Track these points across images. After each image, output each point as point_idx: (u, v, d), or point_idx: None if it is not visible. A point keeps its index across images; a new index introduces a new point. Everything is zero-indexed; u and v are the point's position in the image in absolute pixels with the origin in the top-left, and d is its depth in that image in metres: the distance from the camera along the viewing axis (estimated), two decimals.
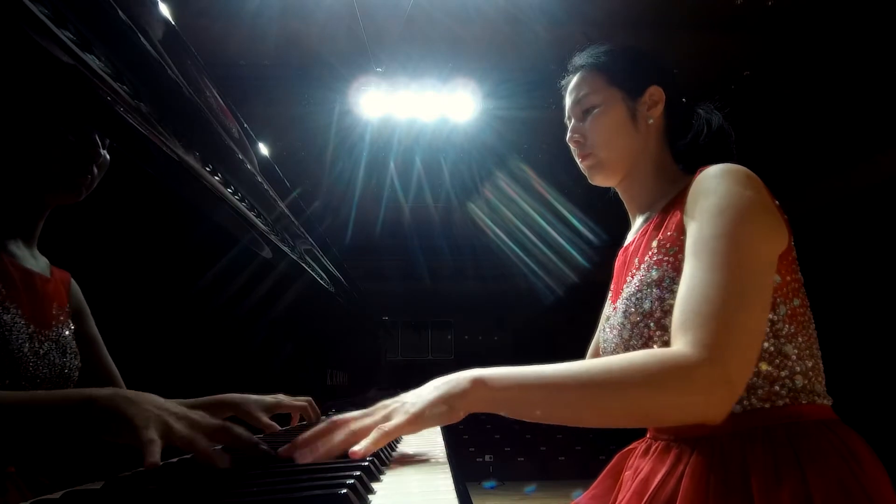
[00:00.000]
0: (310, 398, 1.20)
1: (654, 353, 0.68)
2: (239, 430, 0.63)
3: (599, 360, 0.68)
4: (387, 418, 0.67)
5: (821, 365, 0.82)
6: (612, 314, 0.93)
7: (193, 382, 1.03)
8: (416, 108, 4.52)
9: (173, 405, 0.60)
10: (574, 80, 1.00)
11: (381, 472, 0.66)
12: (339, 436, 0.66)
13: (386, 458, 0.76)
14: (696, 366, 0.64)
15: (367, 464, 0.61)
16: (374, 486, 0.58)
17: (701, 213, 0.77)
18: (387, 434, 0.65)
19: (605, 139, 0.95)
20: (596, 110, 0.96)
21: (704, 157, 0.93)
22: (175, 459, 0.76)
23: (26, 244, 0.79)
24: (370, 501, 0.52)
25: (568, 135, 0.99)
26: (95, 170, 0.78)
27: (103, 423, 0.55)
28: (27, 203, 0.77)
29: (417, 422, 0.66)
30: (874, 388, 5.02)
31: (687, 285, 0.72)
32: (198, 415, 0.61)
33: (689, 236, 0.77)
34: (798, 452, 0.72)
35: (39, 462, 0.61)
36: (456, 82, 4.30)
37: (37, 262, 0.80)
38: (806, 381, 0.78)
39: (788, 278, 0.80)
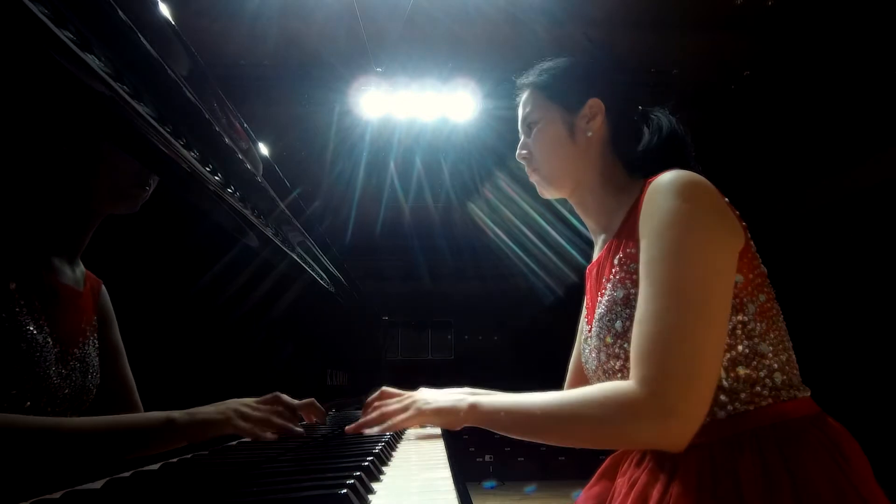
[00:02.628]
0: (312, 399, 1.19)
1: (604, 387, 0.76)
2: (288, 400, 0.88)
3: (562, 394, 0.80)
4: (407, 408, 0.90)
5: (793, 356, 0.82)
6: (588, 336, 0.94)
7: (193, 383, 1.03)
8: (416, 108, 4.52)
9: (235, 402, 0.78)
10: (522, 97, 1.05)
11: (382, 473, 0.66)
12: (374, 414, 0.94)
13: (386, 457, 0.76)
14: (638, 400, 0.71)
15: (367, 464, 0.61)
16: (374, 485, 0.58)
17: (647, 236, 0.79)
18: (394, 425, 0.90)
19: (546, 154, 0.99)
20: (536, 126, 1.00)
21: (660, 162, 0.92)
22: (175, 459, 0.76)
23: (70, 257, 0.77)
24: (370, 501, 0.52)
25: (517, 151, 1.03)
26: (152, 182, 0.78)
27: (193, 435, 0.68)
28: (81, 215, 0.76)
29: (423, 419, 0.88)
30: (874, 387, 5.02)
31: (636, 317, 0.76)
32: (263, 409, 0.80)
33: (641, 259, 0.79)
34: (786, 454, 0.72)
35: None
36: (456, 82, 4.29)
37: (73, 275, 0.78)
38: (784, 377, 0.78)
39: (751, 275, 0.80)
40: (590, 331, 0.92)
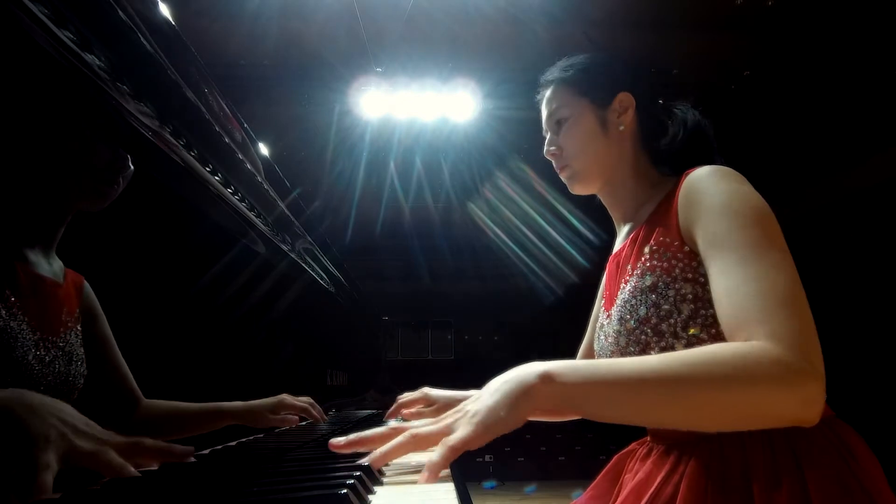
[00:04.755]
0: (310, 399, 1.20)
1: (733, 346, 0.62)
2: (151, 441, 0.58)
3: (671, 355, 0.62)
4: (450, 429, 0.61)
5: None
6: (606, 322, 0.93)
7: (193, 383, 1.03)
8: (416, 108, 4.52)
9: (81, 421, 0.52)
10: (546, 94, 1.02)
11: (382, 473, 0.66)
12: (400, 439, 0.62)
13: None
14: (781, 357, 0.59)
15: (367, 463, 0.61)
16: (375, 485, 0.58)
17: (706, 213, 0.76)
18: (453, 449, 0.58)
19: (578, 150, 0.97)
20: (567, 122, 0.98)
21: (685, 156, 0.93)
22: None
23: (44, 249, 0.78)
24: (370, 501, 0.52)
25: (545, 148, 1.02)
26: (122, 180, 0.78)
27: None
28: (52, 209, 0.76)
29: (483, 433, 0.59)
30: (875, 387, 5.02)
31: (727, 283, 0.68)
32: (104, 432, 0.54)
33: (702, 239, 0.76)
34: (797, 453, 0.72)
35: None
36: (456, 82, 4.29)
37: (51, 268, 0.79)
38: None
39: None
40: (608, 317, 0.92)
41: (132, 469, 0.52)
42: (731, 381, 0.58)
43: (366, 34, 3.67)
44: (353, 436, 0.66)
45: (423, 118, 4.69)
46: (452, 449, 0.58)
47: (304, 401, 1.17)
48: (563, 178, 1.01)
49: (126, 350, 0.89)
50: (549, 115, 1.01)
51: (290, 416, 1.11)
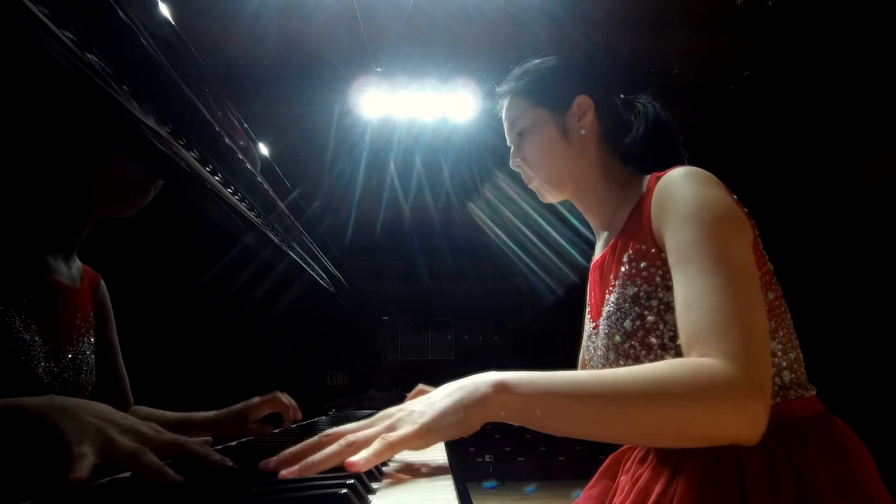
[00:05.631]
0: (275, 392, 1.12)
1: (686, 363, 0.62)
2: (194, 444, 0.57)
3: (626, 370, 0.62)
4: (391, 428, 0.59)
5: (801, 354, 0.82)
6: (593, 333, 0.93)
7: (194, 383, 1.03)
8: (416, 108, 4.52)
9: (120, 416, 0.54)
10: (504, 105, 1.01)
11: (381, 473, 0.66)
12: (334, 447, 0.58)
13: None
14: (730, 376, 0.59)
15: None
16: (375, 485, 0.58)
17: (675, 221, 0.76)
18: (391, 445, 0.57)
19: (542, 160, 0.96)
20: (527, 133, 0.97)
21: (650, 152, 0.92)
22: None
23: (66, 254, 0.77)
24: (370, 501, 0.52)
25: (510, 161, 1.01)
26: (153, 190, 0.78)
27: (33, 435, 0.48)
28: (78, 216, 0.76)
29: (426, 434, 0.58)
30: (876, 387, 5.02)
31: (686, 295, 0.69)
32: (149, 427, 0.55)
33: (669, 247, 0.75)
34: (790, 451, 0.72)
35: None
36: (456, 82, 4.29)
37: (70, 272, 0.78)
38: (793, 375, 0.78)
39: (759, 272, 0.79)
40: (595, 328, 0.92)
41: (170, 472, 0.51)
42: (679, 401, 0.59)
43: (366, 34, 3.67)
44: (284, 453, 0.59)
45: (423, 118, 4.69)
46: (390, 444, 0.57)
47: (268, 396, 1.08)
48: (532, 188, 1.01)
49: (127, 350, 0.90)
50: (510, 128, 1.00)
51: (264, 425, 1.05)
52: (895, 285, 4.98)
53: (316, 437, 0.61)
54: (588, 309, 0.99)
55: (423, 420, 0.59)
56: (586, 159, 0.95)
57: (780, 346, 0.78)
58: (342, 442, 0.58)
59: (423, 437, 0.58)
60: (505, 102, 1.01)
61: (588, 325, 0.96)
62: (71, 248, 0.77)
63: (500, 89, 1.02)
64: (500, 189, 5.86)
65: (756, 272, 0.74)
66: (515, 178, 1.01)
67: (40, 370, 0.69)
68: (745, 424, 0.59)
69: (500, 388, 0.59)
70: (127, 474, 0.63)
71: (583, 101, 0.95)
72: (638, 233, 0.84)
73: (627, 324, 0.82)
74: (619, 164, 0.96)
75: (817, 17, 3.68)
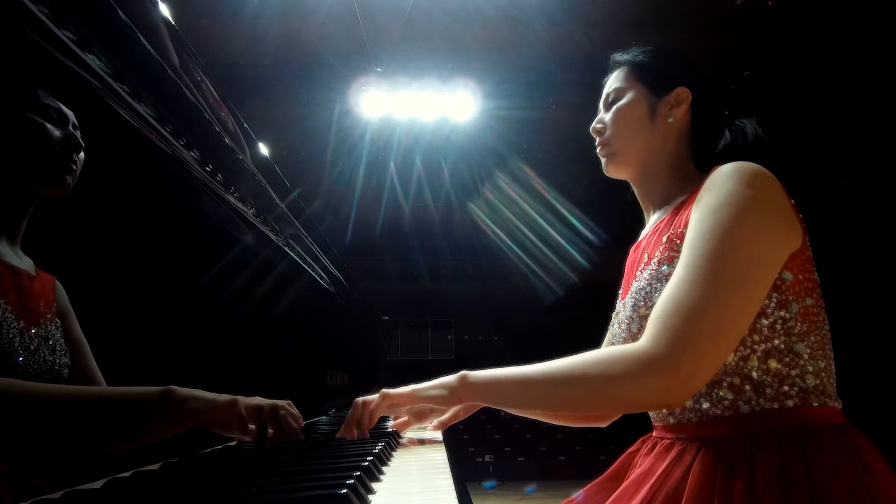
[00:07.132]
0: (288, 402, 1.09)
1: (612, 349, 0.74)
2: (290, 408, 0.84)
3: (567, 358, 0.77)
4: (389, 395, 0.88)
5: (833, 367, 0.81)
6: (621, 309, 0.93)
7: (194, 383, 1.03)
8: (416, 108, 4.52)
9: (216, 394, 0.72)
10: (611, 76, 1.03)
11: (381, 473, 0.66)
12: (351, 412, 0.91)
13: (386, 457, 0.76)
14: (645, 355, 0.69)
15: (367, 464, 0.61)
16: (374, 485, 0.58)
17: (700, 211, 0.78)
18: (384, 394, 0.88)
19: (621, 131, 0.97)
20: (618, 103, 0.98)
21: (730, 161, 0.92)
22: (175, 459, 0.76)
23: (10, 242, 0.77)
24: (370, 501, 0.52)
25: (592, 124, 1.02)
26: (77, 159, 0.77)
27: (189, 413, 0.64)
28: (11, 199, 0.76)
29: (412, 393, 0.87)
30: (877, 388, 5.02)
31: (668, 284, 0.74)
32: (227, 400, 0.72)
33: (687, 235, 0.77)
34: (807, 458, 0.71)
35: (35, 462, 0.61)
36: (456, 82, 4.30)
37: (21, 261, 0.79)
38: (818, 382, 0.77)
39: (801, 277, 0.79)
40: (623, 304, 0.92)
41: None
42: (593, 379, 0.73)
43: (366, 34, 3.67)
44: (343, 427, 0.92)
45: (423, 118, 4.69)
46: (383, 394, 0.89)
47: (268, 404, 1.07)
48: (600, 155, 1.01)
49: (127, 351, 0.90)
50: (606, 95, 1.01)
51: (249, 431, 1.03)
52: (894, 286, 4.99)
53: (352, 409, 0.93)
54: (620, 292, 0.99)
55: (411, 387, 0.88)
56: (662, 147, 0.96)
57: (808, 350, 0.77)
58: (356, 403, 0.91)
59: (408, 395, 0.87)
60: (615, 72, 1.03)
61: (618, 304, 0.97)
62: (13, 234, 0.77)
63: (615, 58, 1.04)
64: (500, 189, 5.86)
65: (763, 276, 0.74)
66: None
67: (17, 343, 0.70)
68: (659, 393, 0.70)
69: (462, 378, 0.84)
70: (127, 474, 0.63)
71: (681, 93, 0.96)
72: (682, 217, 0.85)
73: (656, 297, 0.82)
74: (693, 163, 0.97)
75: (817, 17, 3.68)
